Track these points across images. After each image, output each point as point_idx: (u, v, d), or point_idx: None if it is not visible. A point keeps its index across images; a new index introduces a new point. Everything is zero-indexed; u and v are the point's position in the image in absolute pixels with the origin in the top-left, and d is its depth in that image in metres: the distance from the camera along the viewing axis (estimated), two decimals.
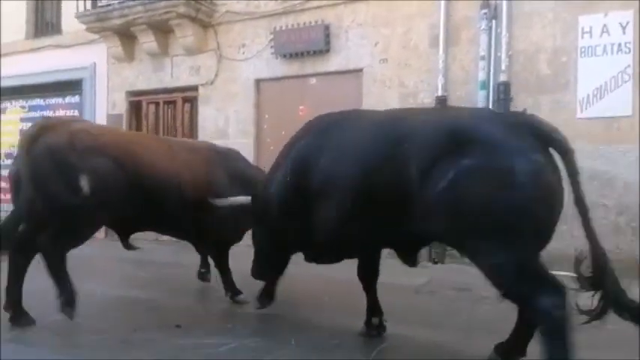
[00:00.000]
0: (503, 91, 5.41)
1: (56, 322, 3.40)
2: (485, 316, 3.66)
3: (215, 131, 7.21)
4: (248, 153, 6.94)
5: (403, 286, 4.59)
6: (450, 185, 2.15)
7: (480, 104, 5.43)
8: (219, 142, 7.07)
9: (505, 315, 3.63)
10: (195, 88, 7.38)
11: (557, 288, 2.15)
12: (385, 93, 6.08)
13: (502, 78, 5.43)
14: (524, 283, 2.14)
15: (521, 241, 2.15)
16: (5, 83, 8.72)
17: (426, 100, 5.83)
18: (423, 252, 5.72)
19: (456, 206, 2.15)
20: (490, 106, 5.44)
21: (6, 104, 8.95)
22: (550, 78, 5.27)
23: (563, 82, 5.20)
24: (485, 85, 5.46)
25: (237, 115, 7.08)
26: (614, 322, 2.27)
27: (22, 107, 8.78)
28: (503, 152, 2.14)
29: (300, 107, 6.73)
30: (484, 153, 2.14)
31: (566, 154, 2.33)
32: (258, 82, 6.95)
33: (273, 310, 3.75)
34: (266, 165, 6.78)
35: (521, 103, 5.37)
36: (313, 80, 6.64)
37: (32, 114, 8.62)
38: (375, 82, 6.14)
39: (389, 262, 5.67)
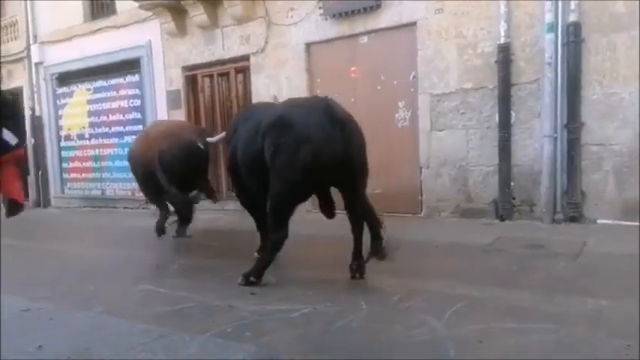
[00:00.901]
0: (574, 33, 4.99)
1: (141, 292, 3.68)
2: (562, 273, 3.53)
3: (269, 99, 7.22)
4: None
5: (469, 245, 4.53)
6: (272, 153, 3.51)
7: (548, 48, 5.05)
8: None
9: (582, 271, 3.54)
10: (246, 58, 7.38)
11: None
12: (442, 46, 5.79)
13: (572, 18, 4.99)
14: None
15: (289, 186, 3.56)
16: (70, 67, 9.19)
17: (486, 49, 5.50)
18: (490, 209, 5.61)
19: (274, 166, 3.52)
20: (559, 50, 5.05)
21: (73, 87, 9.44)
22: (625, 14, 4.77)
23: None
24: (552, 28, 5.04)
25: (289, 82, 7.04)
26: None
27: (88, 89, 9.22)
28: (301, 130, 3.45)
29: (352, 68, 6.58)
30: (290, 131, 3.47)
31: (345, 127, 3.59)
32: (308, 46, 6.83)
33: (337, 274, 3.82)
34: None
35: (594, 43, 4.95)
36: (364, 39, 6.43)
37: (97, 95, 9.06)
38: (430, 35, 5.85)
39: (453, 221, 5.66)
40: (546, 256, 4.02)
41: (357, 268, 3.71)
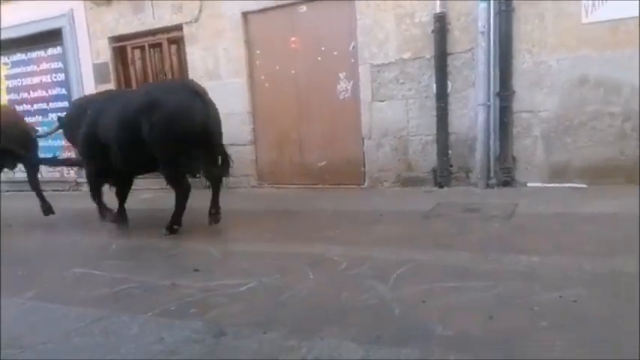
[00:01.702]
0: (505, 2, 5.13)
1: (75, 275, 3.48)
2: (497, 233, 3.72)
3: (206, 72, 6.96)
4: (242, 93, 6.77)
5: (411, 212, 4.64)
6: (149, 130, 4.27)
7: (482, 17, 5.17)
8: (211, 84, 6.90)
9: (515, 230, 3.74)
10: (179, 28, 7.02)
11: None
12: (380, 15, 5.77)
13: None
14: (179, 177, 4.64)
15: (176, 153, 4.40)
16: None
17: (423, 18, 5.54)
18: (429, 177, 5.78)
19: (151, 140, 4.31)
20: (492, 19, 5.20)
21: None
22: None
23: None
24: None
25: (226, 54, 6.79)
26: None
27: (5, 64, 8.43)
28: (171, 108, 4.30)
29: (292, 39, 6.44)
30: (161, 110, 4.28)
31: (209, 105, 4.60)
32: (245, 15, 6.59)
33: (285, 247, 3.81)
34: (262, 103, 6.70)
35: (524, 12, 5.12)
36: (303, 8, 6.29)
37: (16, 69, 8.31)
38: (368, 6, 5.81)
39: (395, 190, 5.79)
40: (482, 218, 4.21)
41: (215, 215, 4.74)
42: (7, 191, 8.29)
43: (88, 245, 4.60)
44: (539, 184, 5.21)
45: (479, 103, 5.36)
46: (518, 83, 5.26)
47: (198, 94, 4.48)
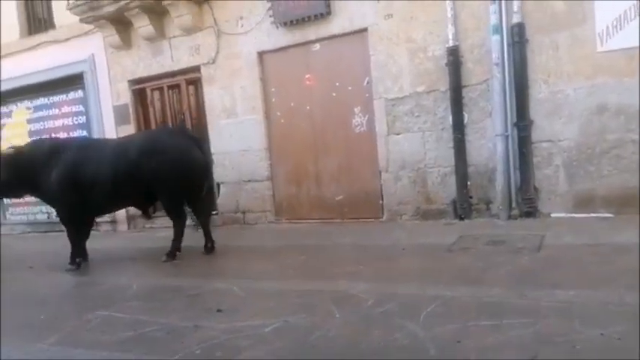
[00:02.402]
0: (518, 34, 5.18)
1: (98, 319, 3.44)
2: (527, 267, 3.61)
3: (223, 110, 7.09)
4: (259, 129, 6.85)
5: (434, 246, 4.56)
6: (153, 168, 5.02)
7: (495, 49, 5.21)
8: (229, 122, 7.01)
9: (546, 263, 3.64)
10: (197, 69, 7.19)
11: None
12: (393, 50, 5.86)
13: (515, 19, 5.18)
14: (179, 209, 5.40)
15: (179, 190, 5.23)
16: (7, 86, 8.61)
17: (436, 52, 5.61)
18: (449, 209, 5.70)
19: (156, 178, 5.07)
20: (505, 51, 5.23)
21: (11, 107, 8.84)
22: (565, 14, 5.01)
23: (579, 16, 4.95)
24: (498, 30, 5.21)
25: (243, 92, 6.92)
26: None
27: (28, 108, 8.66)
28: (173, 150, 5.15)
29: (307, 76, 6.55)
30: (164, 152, 5.10)
31: (202, 147, 5.56)
32: (260, 54, 6.74)
33: (308, 284, 3.75)
34: (278, 138, 6.76)
35: (538, 43, 5.15)
36: (317, 46, 6.42)
37: (38, 113, 8.53)
38: (381, 41, 5.91)
39: (415, 223, 5.72)
40: (509, 251, 4.11)
41: (211, 248, 5.45)
42: (29, 232, 8.38)
43: (109, 286, 4.57)
44: (563, 215, 5.10)
45: (497, 134, 5.34)
46: (536, 113, 5.25)
47: (192, 138, 5.56)
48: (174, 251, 5.28)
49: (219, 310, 3.32)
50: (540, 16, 5.11)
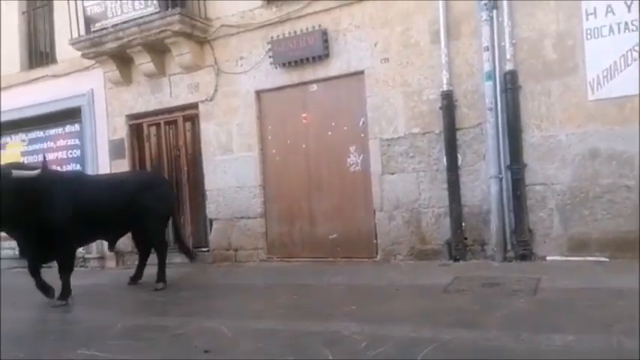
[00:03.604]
0: (511, 81, 5.31)
1: (82, 357, 3.30)
2: (523, 310, 3.55)
3: (219, 147, 7.12)
4: (253, 166, 6.87)
5: (429, 287, 4.49)
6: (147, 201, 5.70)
7: (488, 95, 5.34)
8: (224, 158, 7.04)
9: (543, 306, 3.58)
10: (195, 106, 7.28)
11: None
12: (389, 93, 5.99)
13: (508, 67, 5.33)
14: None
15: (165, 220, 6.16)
16: (4, 118, 8.63)
17: (431, 96, 5.74)
18: (443, 250, 5.66)
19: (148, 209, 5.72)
20: (498, 97, 5.36)
21: (6, 139, 8.84)
22: (557, 63, 5.18)
23: (571, 65, 5.11)
24: (491, 76, 5.36)
25: (239, 129, 6.98)
26: None
27: (23, 140, 8.66)
28: (158, 185, 6.15)
29: (303, 115, 6.65)
30: (153, 187, 5.95)
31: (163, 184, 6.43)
32: (258, 93, 6.86)
33: (300, 324, 3.64)
34: (273, 176, 6.77)
35: (530, 90, 5.29)
36: (314, 87, 6.55)
37: (33, 146, 8.52)
38: (377, 83, 6.05)
39: (409, 263, 5.65)
40: (505, 293, 4.05)
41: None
42: (15, 267, 8.16)
43: (93, 324, 4.40)
44: (558, 258, 5.08)
45: (490, 176, 5.39)
46: (529, 156, 5.32)
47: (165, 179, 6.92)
48: (164, 276, 5.79)
49: (206, 351, 3.20)
50: (533, 64, 5.27)
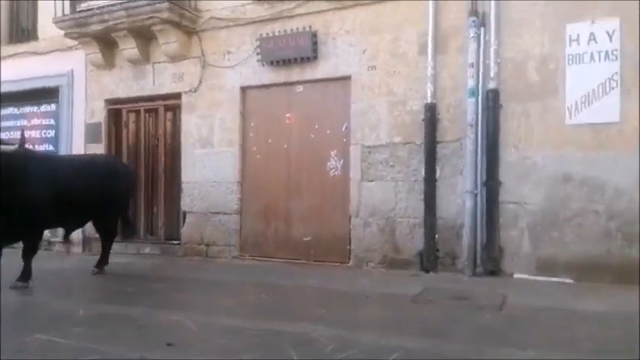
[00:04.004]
0: (493, 99, 5.41)
1: (36, 342, 3.20)
2: (489, 325, 3.60)
3: (199, 139, 7.04)
4: (233, 162, 6.80)
5: (398, 296, 4.52)
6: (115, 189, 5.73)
7: (470, 111, 5.41)
8: (204, 151, 6.96)
9: (507, 322, 3.64)
10: (178, 96, 7.18)
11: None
12: (374, 100, 6.02)
13: (491, 85, 5.43)
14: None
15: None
16: None
17: (415, 107, 5.79)
18: (415, 260, 5.71)
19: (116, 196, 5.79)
20: (480, 113, 5.44)
21: None
22: (539, 85, 5.30)
23: (551, 88, 5.24)
24: (474, 93, 5.44)
25: (222, 123, 6.92)
26: None
27: None
28: (122, 170, 6.20)
29: (287, 115, 6.63)
30: (120, 174, 5.99)
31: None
32: (244, 89, 6.81)
33: (267, 323, 3.61)
34: (252, 173, 6.73)
35: (511, 110, 5.39)
36: (300, 88, 6.54)
37: (6, 123, 8.24)
38: (363, 90, 6.08)
39: (381, 271, 5.68)
40: (472, 307, 4.10)
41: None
42: None
43: (53, 309, 4.27)
44: (525, 276, 5.17)
45: (466, 190, 5.46)
46: (505, 175, 5.41)
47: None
48: (105, 263, 5.91)
49: (169, 344, 3.13)
50: (515, 84, 5.38)
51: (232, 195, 6.82)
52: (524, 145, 5.34)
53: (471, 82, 5.47)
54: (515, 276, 5.23)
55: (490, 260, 5.32)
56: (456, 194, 5.60)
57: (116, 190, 5.72)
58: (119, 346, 3.11)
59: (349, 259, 6.11)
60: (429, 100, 5.69)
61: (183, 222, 7.11)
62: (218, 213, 6.90)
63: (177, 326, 3.58)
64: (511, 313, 3.90)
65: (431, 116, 5.67)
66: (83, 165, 5.68)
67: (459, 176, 5.58)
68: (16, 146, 4.62)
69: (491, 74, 5.43)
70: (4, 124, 8.24)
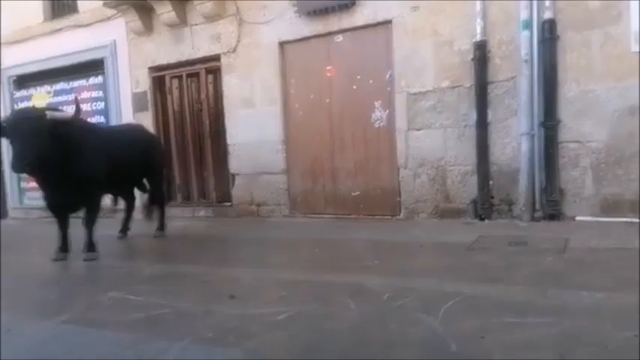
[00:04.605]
0: (549, 30, 5.01)
1: (109, 300, 3.39)
2: (551, 268, 3.47)
3: (241, 100, 7.03)
4: (276, 121, 6.77)
5: (453, 244, 4.44)
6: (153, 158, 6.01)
7: (524, 46, 5.06)
8: (247, 112, 6.95)
9: (571, 265, 3.49)
10: (217, 58, 7.14)
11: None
12: (418, 43, 5.73)
13: (547, 15, 5.01)
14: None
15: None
16: (30, 69, 8.69)
17: (463, 47, 5.47)
18: (469, 209, 5.56)
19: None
20: (534, 47, 5.07)
21: (31, 91, 8.92)
22: (599, 11, 4.83)
23: (614, 14, 4.77)
24: (528, 25, 5.06)
25: (262, 82, 6.85)
26: None
27: (48, 92, 8.73)
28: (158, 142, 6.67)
29: (328, 68, 6.46)
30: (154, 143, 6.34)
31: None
32: (282, 44, 6.66)
33: (322, 276, 3.65)
34: (296, 131, 6.68)
35: (569, 41, 4.98)
36: (339, 37, 6.32)
37: (58, 98, 8.57)
38: (406, 33, 5.79)
39: (433, 222, 5.59)
40: (532, 252, 3.96)
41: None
42: (45, 217, 8.40)
43: (121, 270, 4.53)
44: (589, 218, 4.93)
45: (522, 133, 5.18)
46: (564, 112, 5.08)
47: None
48: (163, 226, 6.18)
49: (231, 297, 3.24)
50: (573, 12, 4.94)
51: (278, 154, 6.83)
52: (584, 79, 4.96)
53: (524, 14, 5.09)
54: (578, 218, 4.99)
55: (550, 203, 5.09)
56: (510, 137, 5.33)
57: (153, 156, 5.98)
58: (185, 300, 3.24)
59: (400, 211, 6.04)
60: (478, 38, 5.35)
61: (233, 184, 7.23)
62: (265, 173, 6.96)
63: (238, 281, 3.69)
64: (574, 255, 3.73)
65: (481, 55, 5.34)
66: (123, 133, 5.85)
67: (513, 118, 5.29)
68: (73, 113, 4.65)
69: (547, 3, 5.01)
70: (56, 99, 8.57)
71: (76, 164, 4.62)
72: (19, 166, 4.18)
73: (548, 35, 5.00)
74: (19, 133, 4.18)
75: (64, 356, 2.40)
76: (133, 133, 6.03)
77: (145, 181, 6.16)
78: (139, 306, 3.19)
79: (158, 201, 6.19)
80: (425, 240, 4.71)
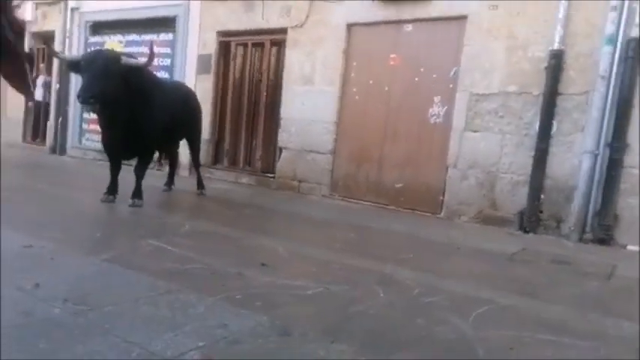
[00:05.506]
0: (634, 49, 4.70)
1: (149, 246, 3.53)
2: (594, 293, 3.31)
3: (301, 77, 7.05)
4: (331, 102, 6.75)
5: (493, 252, 4.32)
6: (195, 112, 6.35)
7: (604, 61, 4.79)
8: (304, 89, 6.97)
9: (616, 293, 3.32)
10: (284, 31, 7.17)
11: None
12: (490, 43, 5.53)
13: (633, 33, 4.71)
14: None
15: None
16: (106, 17, 9.03)
17: (537, 53, 5.23)
18: (514, 219, 5.39)
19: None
20: (615, 65, 4.78)
21: (105, 38, 9.29)
22: None
23: None
24: (612, 40, 4.77)
25: (324, 61, 6.83)
26: None
27: (120, 42, 9.07)
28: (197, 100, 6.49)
29: (392, 56, 6.35)
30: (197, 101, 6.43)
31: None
32: (349, 26, 6.60)
33: (354, 260, 3.65)
34: (349, 115, 6.64)
35: None
36: (409, 27, 6.19)
37: (128, 49, 8.85)
38: (479, 31, 5.59)
39: (474, 226, 5.45)
40: (576, 273, 3.79)
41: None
42: (100, 160, 8.82)
43: (163, 221, 4.71)
44: None
45: (585, 151, 4.94)
46: (634, 136, 4.79)
47: None
48: (202, 185, 6.40)
49: (263, 265, 3.30)
50: None
51: (328, 135, 6.83)
52: None
53: (610, 28, 4.80)
54: (629, 247, 4.74)
55: (602, 227, 4.85)
56: (572, 153, 5.09)
57: (199, 118, 6.41)
58: (219, 259, 3.33)
59: (441, 210, 5.93)
60: (555, 46, 5.10)
61: (279, 157, 7.31)
62: (312, 151, 6.99)
63: (270, 250, 3.75)
64: (621, 283, 3.55)
65: (556, 64, 5.10)
66: (180, 91, 6.07)
67: (579, 134, 5.04)
68: (146, 60, 4.77)
69: (636, 20, 4.70)
70: (127, 49, 8.86)
71: (141, 113, 4.78)
72: (84, 98, 4.29)
73: (632, 54, 4.70)
74: (92, 68, 4.34)
75: (103, 292, 2.52)
76: (187, 91, 6.31)
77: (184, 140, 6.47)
78: (175, 257, 3.30)
79: (198, 161, 6.52)
80: (464, 243, 4.61)
